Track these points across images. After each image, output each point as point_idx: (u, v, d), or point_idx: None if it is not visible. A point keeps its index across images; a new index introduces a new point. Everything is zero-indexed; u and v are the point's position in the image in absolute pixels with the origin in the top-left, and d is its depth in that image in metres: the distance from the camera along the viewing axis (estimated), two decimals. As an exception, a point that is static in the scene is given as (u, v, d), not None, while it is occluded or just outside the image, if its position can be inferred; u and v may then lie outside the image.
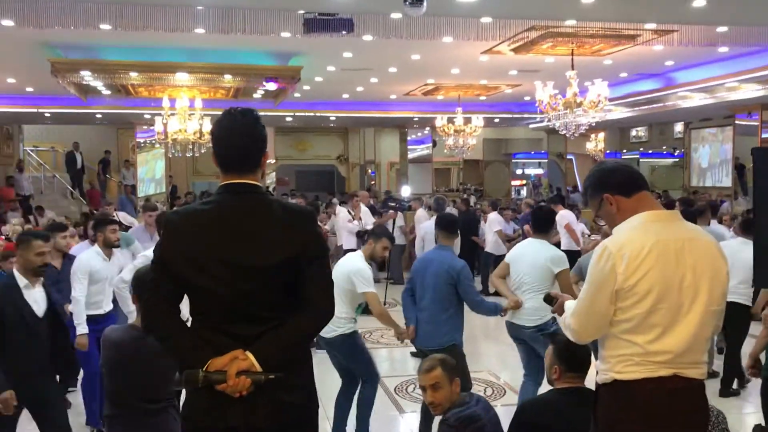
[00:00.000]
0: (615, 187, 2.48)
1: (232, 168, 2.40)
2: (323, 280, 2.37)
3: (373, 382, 5.01)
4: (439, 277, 4.85)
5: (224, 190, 2.41)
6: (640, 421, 2.30)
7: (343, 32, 7.52)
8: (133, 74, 11.01)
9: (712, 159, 17.09)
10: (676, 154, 21.55)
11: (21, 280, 4.01)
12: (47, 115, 16.46)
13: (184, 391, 2.48)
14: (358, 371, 5.01)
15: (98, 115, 16.72)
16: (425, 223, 8.46)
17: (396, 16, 7.38)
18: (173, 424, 3.25)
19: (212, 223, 2.34)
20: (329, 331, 4.87)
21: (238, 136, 2.39)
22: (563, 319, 2.57)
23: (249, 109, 2.46)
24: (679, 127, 19.80)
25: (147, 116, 15.54)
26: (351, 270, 4.93)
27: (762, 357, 3.68)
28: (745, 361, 4.60)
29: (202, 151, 13.53)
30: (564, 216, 9.65)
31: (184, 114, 11.94)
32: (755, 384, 3.79)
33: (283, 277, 2.33)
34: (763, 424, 3.41)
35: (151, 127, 14.40)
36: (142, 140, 17.80)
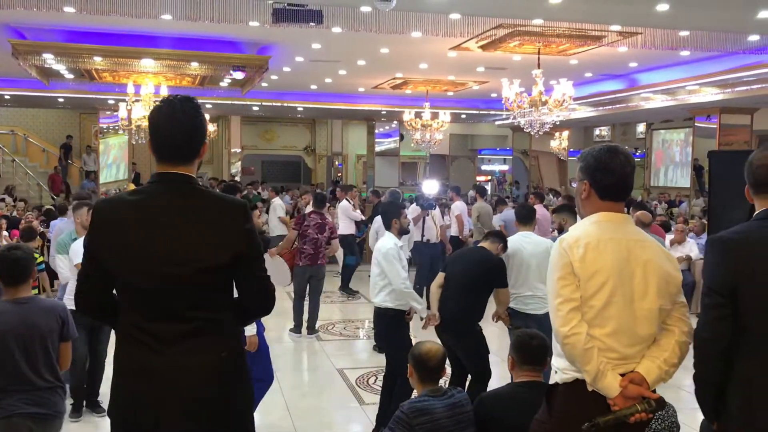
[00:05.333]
0: (599, 185, 2.52)
1: (167, 157, 2.29)
2: (259, 279, 2.38)
3: None
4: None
5: (156, 179, 2.31)
6: (598, 413, 2.35)
7: (312, 23, 7.49)
8: (97, 59, 10.81)
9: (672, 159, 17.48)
10: (637, 153, 21.93)
11: None
12: (7, 97, 16.07)
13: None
14: None
15: (60, 99, 16.37)
16: (378, 218, 8.35)
17: (366, 9, 7.38)
18: (60, 403, 3.35)
19: (140, 213, 2.24)
20: (540, 308, 5.06)
21: (177, 125, 2.28)
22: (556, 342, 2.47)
23: (189, 97, 2.35)
24: (641, 127, 20.17)
25: (111, 102, 15.28)
26: (549, 248, 5.04)
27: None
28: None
29: (167, 139, 13.35)
30: (458, 206, 11.40)
31: (149, 101, 11.78)
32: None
33: (212, 278, 2.26)
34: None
35: (115, 113, 14.17)
36: (105, 126, 17.51)
